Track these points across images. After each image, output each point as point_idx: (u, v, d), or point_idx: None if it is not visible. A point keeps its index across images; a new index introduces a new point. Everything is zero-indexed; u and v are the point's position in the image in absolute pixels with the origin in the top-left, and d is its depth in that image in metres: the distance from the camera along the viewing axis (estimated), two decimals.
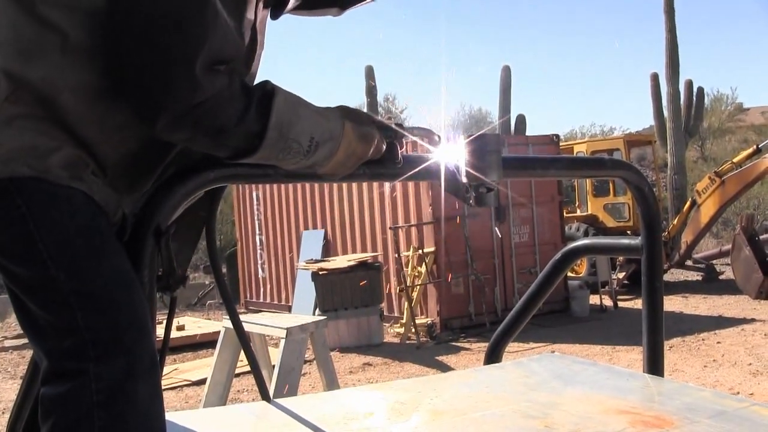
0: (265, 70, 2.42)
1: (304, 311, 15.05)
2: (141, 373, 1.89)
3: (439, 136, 2.39)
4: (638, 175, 3.23)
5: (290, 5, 2.38)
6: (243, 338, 2.91)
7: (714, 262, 20.54)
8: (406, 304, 14.12)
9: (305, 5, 2.48)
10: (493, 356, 3.72)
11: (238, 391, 10.37)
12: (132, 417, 1.87)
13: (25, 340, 14.52)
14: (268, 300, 19.94)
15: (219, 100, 1.92)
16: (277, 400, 3.05)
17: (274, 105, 2.00)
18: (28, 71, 1.89)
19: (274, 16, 2.36)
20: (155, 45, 1.85)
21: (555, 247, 14.45)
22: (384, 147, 2.27)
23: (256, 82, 2.13)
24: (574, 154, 19.43)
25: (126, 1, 1.85)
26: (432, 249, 14.58)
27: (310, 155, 2.10)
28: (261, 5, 2.21)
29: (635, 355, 10.71)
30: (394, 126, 2.30)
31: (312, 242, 17.84)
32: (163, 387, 2.04)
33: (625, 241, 3.56)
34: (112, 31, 1.87)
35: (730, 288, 17.58)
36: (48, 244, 1.86)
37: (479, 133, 2.44)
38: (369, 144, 2.21)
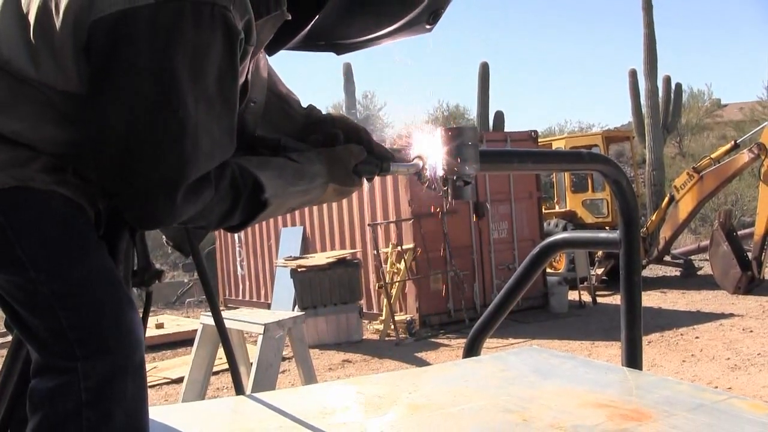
0: None
1: (283, 308, 15.00)
2: (129, 370, 1.90)
3: (424, 161, 2.39)
4: (616, 168, 3.24)
5: (287, 46, 2.35)
6: (223, 333, 2.89)
7: (692, 257, 20.62)
8: (385, 300, 14.11)
9: (301, 48, 2.45)
10: (471, 350, 3.71)
11: (218, 388, 10.34)
12: (119, 414, 1.88)
13: (2, 339, 14.45)
14: (247, 297, 19.89)
15: (204, 209, 1.95)
16: (255, 395, 3.04)
17: (261, 214, 2.09)
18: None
19: (270, 53, 2.33)
20: (133, 180, 1.85)
21: (534, 243, 14.42)
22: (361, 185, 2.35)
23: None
24: None
25: (103, 130, 1.83)
26: (411, 245, 14.57)
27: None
28: (254, 56, 2.17)
29: (614, 350, 10.72)
30: (383, 158, 2.36)
31: (291, 239, 17.80)
32: None
33: (603, 234, 3.57)
34: (89, 137, 1.86)
35: (708, 283, 17.63)
36: (26, 248, 1.86)
37: (456, 126, 2.43)
38: (344, 197, 2.36)
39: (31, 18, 1.85)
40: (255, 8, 1.95)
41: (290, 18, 2.08)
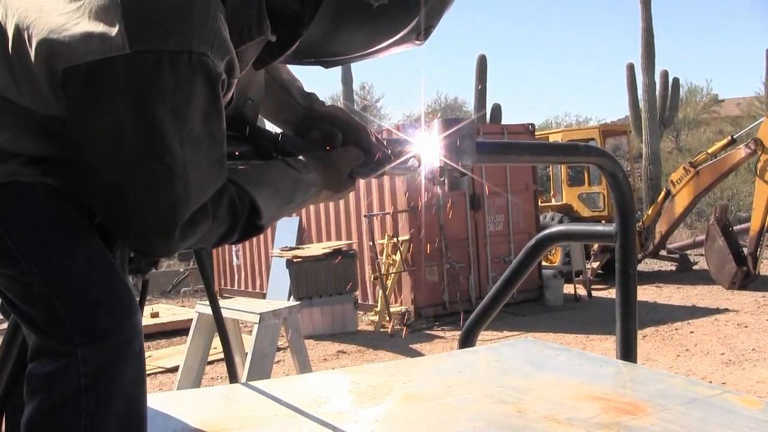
0: None
1: (278, 298, 15.00)
2: (129, 357, 1.90)
3: (420, 162, 2.40)
4: (612, 161, 3.23)
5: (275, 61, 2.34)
6: (220, 322, 2.90)
7: (688, 252, 20.65)
8: (380, 292, 14.13)
9: (287, 62, 2.43)
10: (466, 341, 3.71)
11: (212, 378, 10.34)
12: (117, 400, 1.88)
13: None
14: (243, 287, 19.90)
15: (201, 237, 1.95)
16: (250, 383, 3.04)
17: (254, 233, 2.11)
18: None
19: (256, 69, 2.31)
20: (128, 225, 1.85)
21: (529, 236, 14.37)
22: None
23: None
24: None
25: (92, 181, 1.83)
26: (407, 237, 14.56)
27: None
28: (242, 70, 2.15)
29: (609, 344, 10.72)
30: (380, 162, 2.37)
31: (287, 229, 17.79)
32: None
33: (599, 227, 3.56)
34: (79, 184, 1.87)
35: (703, 278, 17.67)
36: (15, 239, 1.85)
37: (453, 117, 2.43)
38: (337, 199, 2.37)
39: (10, 33, 1.83)
40: (238, 34, 1.94)
41: (274, 40, 2.07)
